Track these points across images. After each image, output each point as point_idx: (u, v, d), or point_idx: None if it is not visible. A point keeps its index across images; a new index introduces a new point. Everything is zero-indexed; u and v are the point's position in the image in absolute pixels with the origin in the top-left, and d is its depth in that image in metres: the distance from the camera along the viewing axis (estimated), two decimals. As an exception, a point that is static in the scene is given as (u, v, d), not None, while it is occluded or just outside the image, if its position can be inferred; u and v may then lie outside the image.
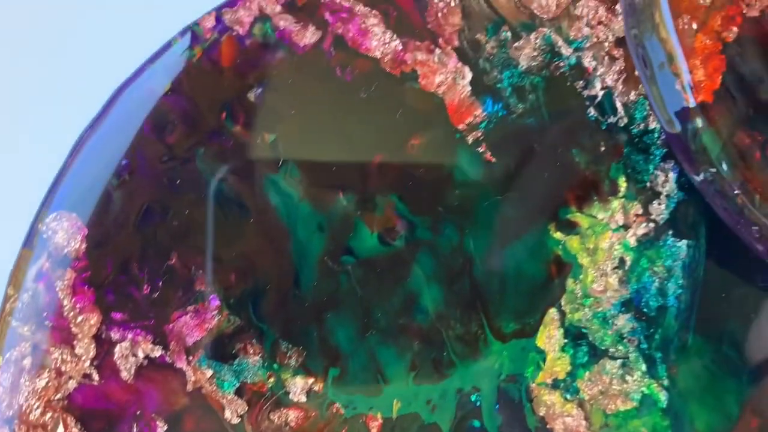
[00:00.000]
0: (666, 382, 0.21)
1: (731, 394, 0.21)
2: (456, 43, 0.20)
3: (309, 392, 0.18)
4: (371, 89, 0.19)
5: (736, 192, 0.19)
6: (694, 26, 0.19)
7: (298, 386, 0.18)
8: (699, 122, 0.18)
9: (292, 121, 0.19)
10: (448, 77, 0.19)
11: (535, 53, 0.20)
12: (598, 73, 0.20)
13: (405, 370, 0.19)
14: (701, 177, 0.19)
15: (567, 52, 0.20)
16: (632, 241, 0.21)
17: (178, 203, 0.18)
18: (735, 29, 0.19)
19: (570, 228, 0.20)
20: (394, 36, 0.19)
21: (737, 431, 0.21)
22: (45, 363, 0.18)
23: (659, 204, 0.21)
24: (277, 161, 0.18)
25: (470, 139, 0.20)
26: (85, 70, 0.19)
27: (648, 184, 0.21)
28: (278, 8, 0.18)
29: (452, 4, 0.20)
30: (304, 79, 0.18)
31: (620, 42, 0.20)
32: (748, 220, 0.19)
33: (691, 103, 0.18)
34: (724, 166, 0.19)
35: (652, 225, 0.21)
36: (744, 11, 0.19)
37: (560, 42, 0.20)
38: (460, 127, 0.20)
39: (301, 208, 0.18)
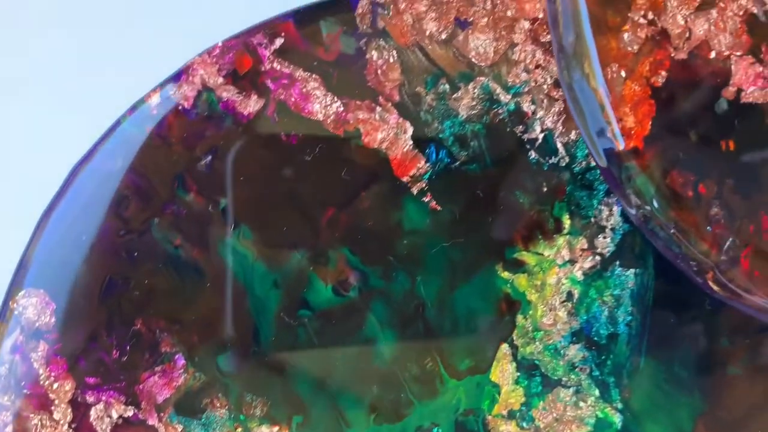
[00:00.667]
0: (620, 405, 0.22)
1: (684, 410, 0.22)
2: (397, 98, 0.20)
3: (275, 439, 0.19)
4: (315, 151, 0.19)
5: (671, 231, 0.19)
6: (623, 74, 0.19)
7: (264, 434, 0.19)
8: (631, 167, 0.19)
9: (242, 186, 0.19)
10: (390, 133, 0.20)
11: (474, 102, 0.20)
12: (538, 116, 0.21)
13: (365, 413, 0.20)
14: (637, 214, 0.19)
15: (505, 99, 0.21)
16: (579, 275, 0.21)
17: (137, 273, 0.19)
18: (663, 73, 0.19)
19: (517, 267, 0.21)
20: (335, 98, 0.20)
21: None
22: (26, 429, 0.19)
23: (605, 237, 0.21)
24: (229, 225, 0.19)
25: (415, 190, 0.20)
26: (38, 146, 0.20)
27: (593, 219, 0.21)
28: (220, 80, 0.19)
29: (391, 60, 0.20)
30: (250, 146, 0.19)
31: (558, 83, 0.21)
32: (685, 255, 0.20)
33: (622, 150, 0.19)
34: (658, 206, 0.19)
35: (598, 258, 0.21)
36: (672, 54, 0.19)
37: (498, 89, 0.21)
38: (405, 179, 0.20)
39: (256, 267, 0.19)
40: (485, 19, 0.20)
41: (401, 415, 0.19)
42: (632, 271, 0.21)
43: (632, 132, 0.18)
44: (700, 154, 0.19)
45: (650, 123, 0.18)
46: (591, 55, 0.18)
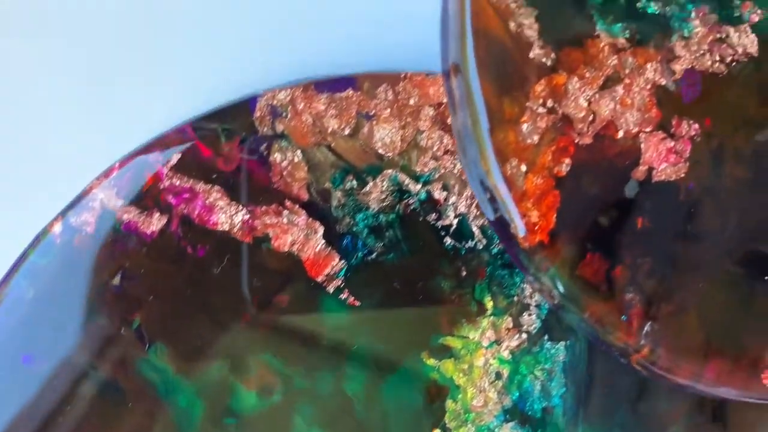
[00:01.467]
0: None
1: None
2: (305, 196, 0.20)
3: None
4: (224, 261, 0.19)
5: (586, 320, 0.19)
6: (524, 168, 0.18)
7: None
8: (540, 260, 0.18)
9: (153, 303, 0.19)
10: (300, 235, 0.20)
11: (384, 195, 0.20)
12: (450, 202, 0.20)
13: None
14: (553, 304, 0.19)
15: (415, 189, 0.20)
16: (506, 354, 0.21)
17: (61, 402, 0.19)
18: (567, 161, 0.18)
19: (443, 352, 0.21)
20: (240, 206, 0.19)
21: None
22: None
23: (530, 315, 0.21)
24: (145, 343, 0.19)
25: (331, 289, 0.20)
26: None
27: (516, 298, 0.21)
28: (120, 202, 0.19)
29: (296, 159, 0.20)
30: (157, 263, 0.19)
31: (470, 165, 0.20)
32: (603, 341, 0.19)
33: (527, 246, 0.18)
34: (571, 298, 0.19)
35: (525, 335, 0.21)
36: (576, 140, 0.19)
37: (407, 180, 0.20)
38: (320, 279, 0.20)
39: (177, 381, 0.19)
40: (388, 110, 0.19)
41: None
42: (562, 343, 0.20)
43: (536, 227, 0.18)
44: (612, 239, 0.18)
45: (555, 215, 0.18)
46: (487, 151, 0.17)
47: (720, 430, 0.20)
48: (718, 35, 0.18)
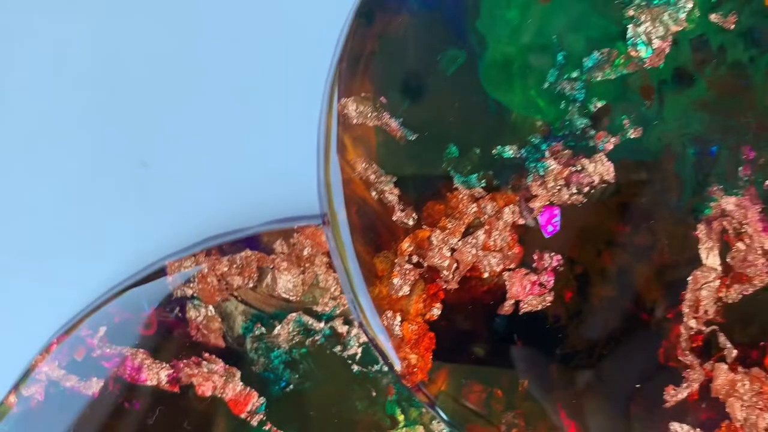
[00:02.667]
0: None
1: None
2: (222, 344, 0.22)
3: None
4: (157, 412, 0.22)
5: None
6: (398, 318, 0.20)
7: None
8: (423, 398, 0.20)
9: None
10: (220, 381, 0.22)
11: (292, 336, 0.22)
12: (353, 334, 0.22)
13: None
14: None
15: (319, 327, 0.22)
16: None
17: None
18: (438, 305, 0.20)
19: None
20: (163, 363, 0.22)
21: None
22: None
23: (439, 422, 0.23)
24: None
25: (255, 422, 0.23)
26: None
27: (424, 409, 0.23)
28: (62, 372, 0.22)
29: (209, 314, 0.22)
30: (101, 419, 0.22)
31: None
32: None
33: (410, 385, 0.20)
34: (458, 424, 0.21)
35: None
36: (444, 286, 0.20)
37: (310, 320, 0.22)
38: (243, 415, 0.23)
39: None
40: (285, 263, 0.21)
41: None
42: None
43: (415, 368, 0.20)
44: (489, 368, 0.20)
45: (431, 356, 0.20)
46: (364, 306, 0.20)
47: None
48: (574, 168, 0.20)
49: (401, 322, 0.19)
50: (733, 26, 0.20)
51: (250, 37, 0.21)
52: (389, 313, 0.19)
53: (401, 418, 0.22)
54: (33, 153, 0.21)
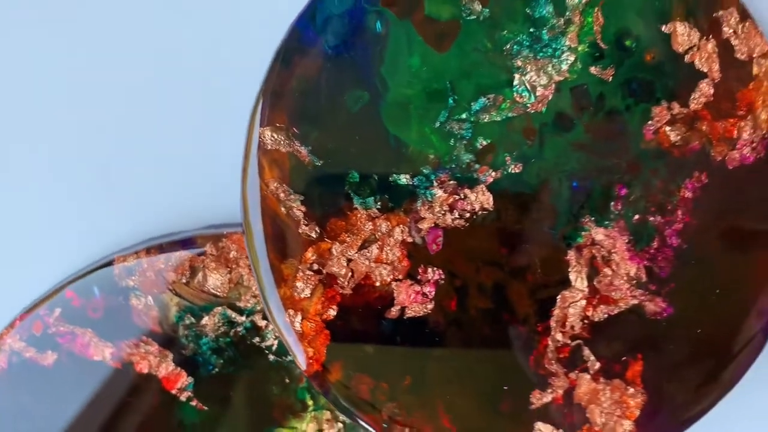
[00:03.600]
0: None
1: None
2: (159, 330, 0.26)
3: None
4: (102, 385, 0.26)
5: (364, 428, 0.24)
6: (299, 317, 0.24)
7: None
8: (318, 386, 0.24)
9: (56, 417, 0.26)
10: (154, 360, 0.26)
11: (218, 327, 0.26)
12: (270, 328, 0.26)
13: None
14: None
15: (241, 320, 0.26)
16: None
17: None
18: (335, 307, 0.24)
19: None
20: (107, 342, 0.26)
21: None
22: None
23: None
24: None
25: (183, 398, 0.26)
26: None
27: None
28: (22, 344, 0.25)
29: (148, 303, 0.26)
30: (57, 391, 0.26)
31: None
32: None
33: (308, 374, 0.24)
34: (349, 411, 0.24)
35: (341, 425, 0.27)
36: (340, 291, 0.24)
37: (233, 314, 0.26)
38: (174, 391, 0.26)
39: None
40: (213, 263, 0.25)
41: None
42: None
43: (312, 360, 0.23)
44: (376, 363, 0.23)
45: (326, 350, 0.23)
46: (272, 305, 0.23)
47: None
48: (458, 196, 0.23)
49: (301, 320, 0.23)
50: (611, 78, 0.23)
51: (192, 69, 0.24)
52: (291, 312, 0.23)
53: (311, 403, 0.25)
54: None
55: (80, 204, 0.25)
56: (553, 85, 0.23)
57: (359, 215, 0.23)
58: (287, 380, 0.25)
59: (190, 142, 0.25)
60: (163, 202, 0.25)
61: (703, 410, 0.24)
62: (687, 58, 0.23)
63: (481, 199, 0.23)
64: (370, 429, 0.23)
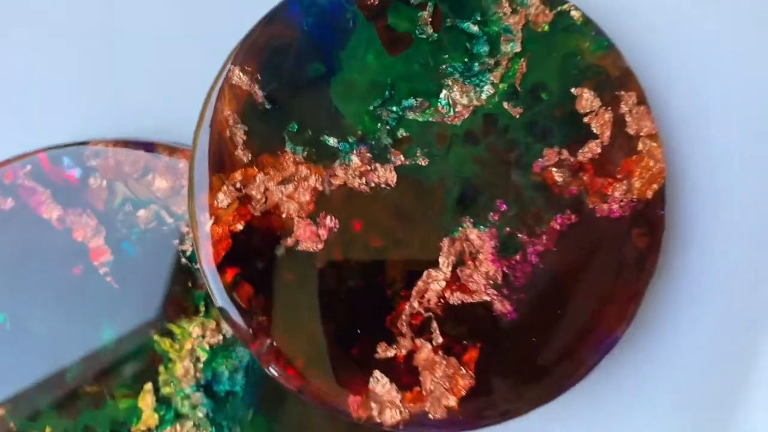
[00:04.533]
0: None
1: None
2: (102, 208, 0.31)
3: None
4: (43, 240, 0.31)
5: (234, 332, 0.28)
6: (212, 220, 0.29)
7: None
8: (212, 281, 0.28)
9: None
10: (90, 232, 0.31)
11: (149, 221, 0.31)
12: (189, 236, 0.31)
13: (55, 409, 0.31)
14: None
15: (169, 221, 0.31)
16: (206, 346, 0.31)
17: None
18: (243, 222, 0.29)
19: (167, 334, 0.31)
20: (58, 206, 0.31)
21: None
22: None
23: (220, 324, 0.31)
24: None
25: (102, 272, 0.31)
26: None
27: None
28: None
29: (102, 185, 0.31)
30: (10, 232, 0.31)
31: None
32: (246, 347, 0.29)
33: (203, 269, 0.28)
34: (226, 314, 0.28)
35: (222, 337, 0.31)
36: (252, 212, 0.29)
37: (165, 214, 0.31)
38: (96, 263, 0.31)
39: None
40: (163, 169, 0.30)
41: (78, 413, 0.30)
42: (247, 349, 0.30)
43: (211, 258, 0.28)
44: (260, 278, 0.28)
45: (224, 254, 0.28)
46: (194, 203, 0.28)
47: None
48: (369, 168, 0.28)
49: (212, 223, 0.27)
50: (518, 116, 0.29)
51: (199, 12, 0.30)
52: (206, 214, 0.27)
53: (202, 309, 0.30)
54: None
55: (82, 93, 0.31)
56: (471, 108, 0.29)
57: (287, 157, 0.28)
58: (190, 284, 0.30)
59: (182, 68, 0.30)
60: (144, 112, 0.30)
61: (519, 410, 0.28)
62: (586, 119, 0.29)
63: (387, 175, 0.28)
64: (240, 333, 0.27)
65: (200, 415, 0.30)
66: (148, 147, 0.30)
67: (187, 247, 0.30)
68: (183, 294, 0.30)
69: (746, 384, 0.30)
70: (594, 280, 0.28)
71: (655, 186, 0.29)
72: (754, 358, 0.29)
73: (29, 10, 0.31)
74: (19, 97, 0.31)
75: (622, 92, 0.29)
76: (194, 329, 0.30)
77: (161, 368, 0.30)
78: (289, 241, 0.28)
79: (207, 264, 0.27)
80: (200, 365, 0.30)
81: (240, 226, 0.28)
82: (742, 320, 0.30)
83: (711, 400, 0.29)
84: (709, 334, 0.30)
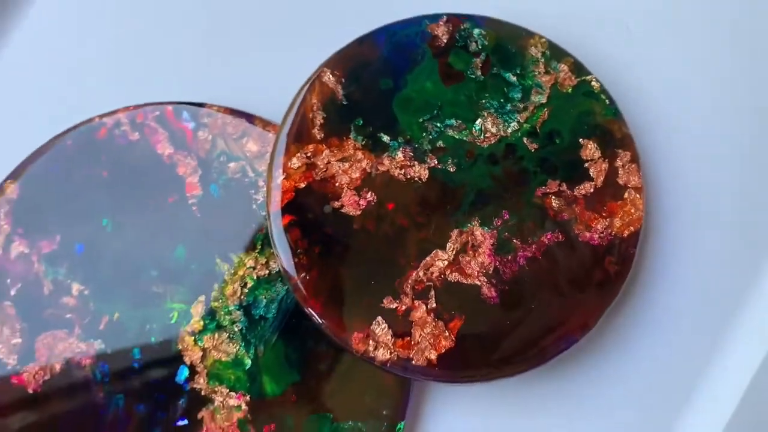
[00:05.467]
0: (252, 356, 0.38)
1: (286, 376, 0.38)
2: (203, 155, 0.40)
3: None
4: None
5: (279, 267, 0.36)
6: (283, 176, 0.37)
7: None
8: (269, 225, 0.37)
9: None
10: (190, 169, 0.40)
11: (235, 171, 0.40)
12: (263, 189, 0.40)
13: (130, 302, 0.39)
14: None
15: (251, 175, 0.40)
16: (255, 276, 0.39)
17: None
18: (305, 182, 0.37)
19: (227, 260, 0.39)
20: (172, 146, 0.40)
21: (282, 398, 0.38)
22: None
23: (275, 262, 0.39)
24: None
25: (190, 202, 0.40)
26: None
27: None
28: (127, 121, 0.41)
29: (208, 138, 0.40)
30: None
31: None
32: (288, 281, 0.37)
33: (267, 211, 0.37)
34: (278, 251, 0.37)
35: (267, 271, 0.39)
36: (314, 176, 0.37)
37: (249, 170, 0.40)
38: (188, 195, 0.40)
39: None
40: (256, 135, 0.39)
41: (141, 308, 0.38)
42: (284, 287, 0.38)
43: (278, 204, 0.36)
44: (309, 227, 0.36)
45: (287, 202, 0.36)
46: (274, 160, 0.37)
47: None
48: (409, 164, 0.37)
49: (283, 178, 0.36)
50: (534, 150, 0.37)
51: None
52: (281, 171, 0.36)
53: (258, 247, 0.38)
54: None
55: (208, 66, 0.41)
56: (498, 136, 0.37)
57: (349, 143, 0.37)
58: (254, 226, 0.38)
59: (287, 62, 0.40)
60: (251, 90, 0.40)
61: (484, 377, 0.35)
62: (586, 164, 0.37)
63: (421, 172, 0.37)
64: (284, 266, 0.36)
65: (236, 329, 0.38)
66: (249, 117, 0.39)
67: (259, 198, 0.38)
68: (247, 232, 0.38)
69: (688, 391, 0.36)
70: (566, 289, 0.35)
71: (632, 228, 0.36)
72: (692, 372, 0.36)
73: None
74: (159, 62, 0.42)
75: (620, 150, 0.37)
76: (248, 261, 0.38)
77: (215, 286, 0.38)
78: (336, 203, 0.36)
79: (273, 209, 0.36)
80: (245, 290, 0.38)
81: (302, 185, 0.36)
82: (683, 351, 0.36)
83: (654, 399, 0.36)
84: (654, 355, 0.36)
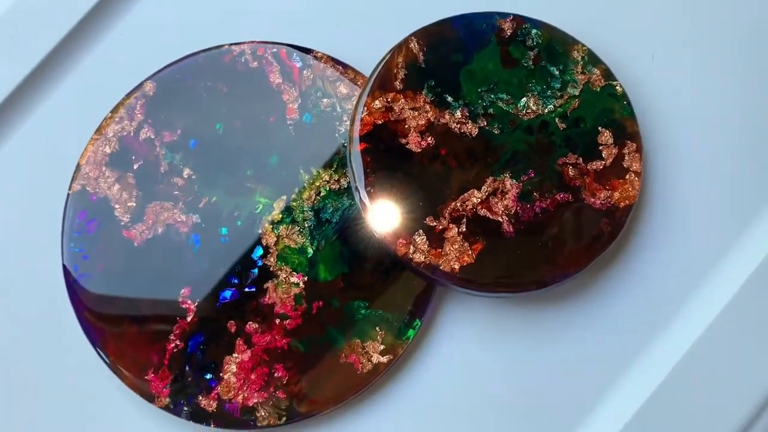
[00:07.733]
0: (313, 248, 0.50)
1: (338, 267, 0.50)
2: (304, 89, 0.52)
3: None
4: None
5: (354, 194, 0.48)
6: (366, 111, 0.49)
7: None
8: (354, 153, 0.48)
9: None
10: (292, 98, 0.52)
11: (328, 106, 0.52)
12: (346, 122, 0.51)
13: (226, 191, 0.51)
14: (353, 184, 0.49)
15: (339, 110, 0.52)
16: (329, 187, 0.50)
17: None
18: (383, 120, 0.49)
19: (309, 172, 0.51)
20: (281, 77, 0.52)
21: (331, 283, 0.49)
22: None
23: (346, 180, 0.51)
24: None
25: (288, 124, 0.52)
26: None
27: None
28: (246, 45, 0.53)
29: (310, 76, 0.52)
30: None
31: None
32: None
33: (356, 135, 0.48)
34: (353, 179, 0.48)
35: (338, 186, 0.50)
36: (390, 117, 0.49)
37: (338, 107, 0.52)
38: (287, 117, 0.52)
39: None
40: (348, 81, 0.51)
41: (234, 197, 0.50)
42: (348, 200, 0.50)
43: (359, 130, 0.48)
44: (379, 154, 0.48)
45: (365, 132, 0.48)
46: (360, 99, 0.48)
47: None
48: (464, 121, 0.48)
49: (365, 114, 0.48)
50: (562, 129, 0.48)
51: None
52: (364, 108, 0.48)
53: (335, 166, 0.50)
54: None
55: (320, 18, 0.53)
56: (537, 113, 0.49)
57: (421, 97, 0.49)
58: (335, 149, 0.50)
59: (384, 28, 0.52)
60: (351, 45, 0.52)
61: (492, 290, 0.46)
62: (600, 147, 0.48)
63: (472, 129, 0.48)
64: (354, 181, 0.47)
65: (306, 225, 0.50)
66: (344, 67, 0.51)
67: (342, 129, 0.50)
68: (328, 153, 0.50)
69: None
70: (568, 236, 0.47)
71: (627, 202, 0.47)
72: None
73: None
74: (284, 11, 0.54)
75: (629, 142, 0.48)
76: (325, 175, 0.50)
77: (296, 190, 0.50)
78: (403, 140, 0.48)
79: (354, 135, 0.48)
80: (319, 197, 0.50)
81: (379, 122, 0.48)
82: (658, 295, 0.47)
83: (628, 327, 0.47)
84: (632, 294, 0.48)
